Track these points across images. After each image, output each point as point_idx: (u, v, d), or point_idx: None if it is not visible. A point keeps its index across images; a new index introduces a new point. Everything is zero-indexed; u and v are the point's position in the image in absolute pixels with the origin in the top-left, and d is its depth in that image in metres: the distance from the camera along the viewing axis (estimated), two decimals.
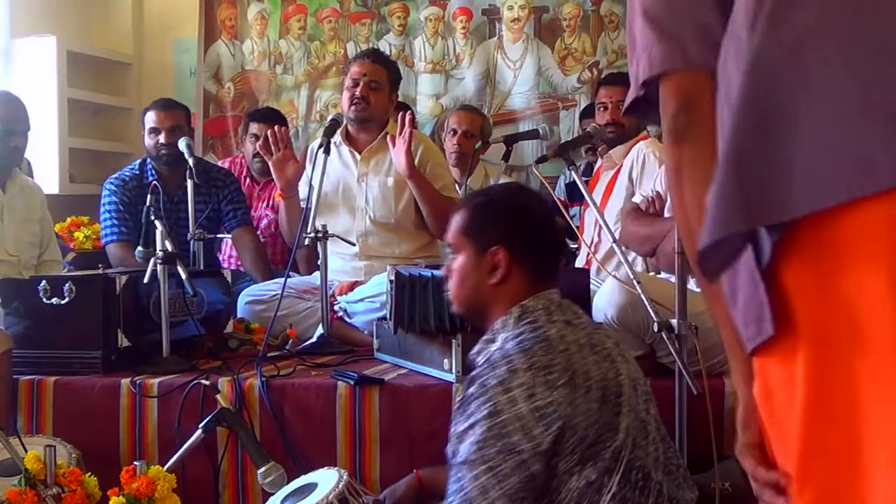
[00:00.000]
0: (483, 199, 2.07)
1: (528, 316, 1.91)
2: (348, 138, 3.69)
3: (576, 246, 3.70)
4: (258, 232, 4.24)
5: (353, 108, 3.59)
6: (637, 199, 3.05)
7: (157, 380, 2.70)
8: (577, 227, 3.79)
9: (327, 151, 3.25)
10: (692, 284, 2.75)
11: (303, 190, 3.78)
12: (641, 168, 3.56)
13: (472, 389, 1.81)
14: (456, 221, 2.02)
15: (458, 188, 4.02)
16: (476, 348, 1.98)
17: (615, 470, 1.79)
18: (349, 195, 3.64)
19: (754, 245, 0.96)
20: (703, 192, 1.01)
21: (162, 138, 3.79)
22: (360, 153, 3.67)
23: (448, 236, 2.05)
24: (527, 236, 1.98)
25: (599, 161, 3.62)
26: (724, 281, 1.02)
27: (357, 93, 3.56)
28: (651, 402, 1.97)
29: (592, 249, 3.30)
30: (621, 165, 3.69)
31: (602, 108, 3.88)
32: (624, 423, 1.82)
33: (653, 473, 1.84)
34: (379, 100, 3.61)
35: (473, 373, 1.88)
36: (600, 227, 3.10)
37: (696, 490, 2.00)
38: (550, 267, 2.02)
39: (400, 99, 4.96)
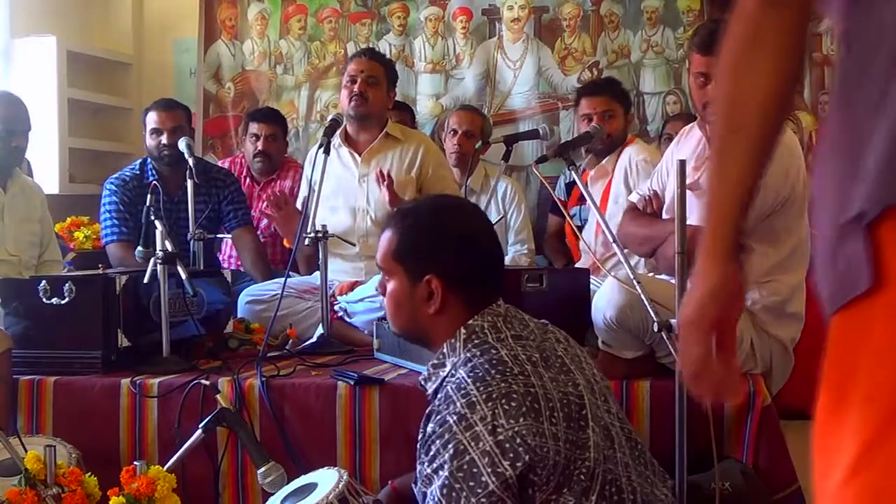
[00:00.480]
0: (412, 221, 1.93)
1: (475, 337, 1.83)
2: (347, 140, 3.70)
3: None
4: (258, 232, 4.24)
5: (352, 104, 3.60)
6: (634, 198, 3.05)
7: (157, 380, 2.70)
8: (578, 227, 3.81)
9: (327, 151, 3.25)
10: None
11: (304, 190, 3.79)
12: (637, 175, 3.58)
13: (431, 427, 1.74)
14: (385, 243, 1.92)
15: (458, 189, 4.03)
16: (424, 374, 1.91)
17: (591, 489, 1.73)
18: (350, 196, 3.65)
19: None
20: (781, 69, 0.96)
21: (164, 139, 3.80)
22: (359, 154, 3.68)
23: (378, 256, 1.95)
24: (461, 262, 1.88)
25: (582, 167, 3.61)
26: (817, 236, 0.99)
27: (355, 89, 3.58)
28: (609, 398, 1.91)
29: (593, 251, 3.31)
30: (613, 175, 3.71)
31: (586, 120, 3.86)
32: (592, 439, 1.76)
33: (625, 484, 1.79)
34: (377, 96, 3.62)
35: (430, 408, 1.80)
36: (601, 230, 3.11)
37: (668, 478, 1.96)
38: (491, 286, 1.92)
39: (400, 99, 4.99)
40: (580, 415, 1.77)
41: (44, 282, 2.82)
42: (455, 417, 1.70)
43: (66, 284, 2.78)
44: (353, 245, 3.51)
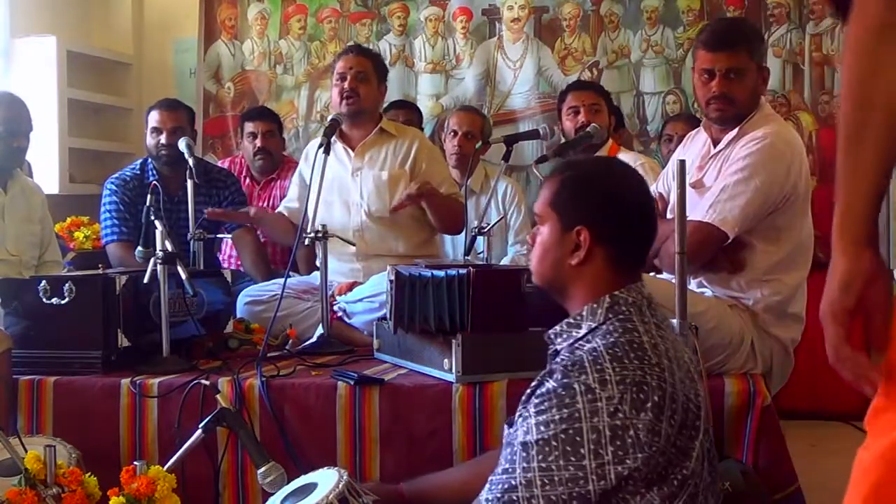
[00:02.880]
0: (575, 172, 1.92)
1: (618, 310, 1.80)
2: (341, 136, 3.70)
3: None
4: (258, 232, 4.24)
5: (344, 102, 3.60)
6: None
7: (157, 380, 2.69)
8: None
9: (327, 151, 3.25)
10: (692, 285, 2.77)
11: (294, 189, 3.80)
12: None
13: (552, 385, 1.71)
14: (545, 191, 1.91)
15: (454, 183, 4.02)
16: (557, 328, 1.87)
17: (677, 497, 1.71)
18: (344, 191, 3.65)
19: None
20: None
21: (163, 138, 3.80)
22: (353, 150, 3.68)
23: (536, 206, 1.94)
24: (615, 220, 1.85)
25: None
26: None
27: (346, 86, 3.58)
28: (709, 420, 1.88)
29: None
30: None
31: (573, 113, 3.98)
32: (696, 450, 1.74)
33: (700, 502, 1.77)
34: (368, 91, 3.63)
35: (561, 361, 1.76)
36: None
37: None
38: (637, 255, 1.90)
39: (400, 97, 4.99)
40: (694, 425, 1.76)
41: (44, 282, 2.82)
42: (583, 387, 1.68)
43: (66, 284, 2.78)
44: (353, 244, 3.51)
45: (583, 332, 1.82)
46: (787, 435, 2.46)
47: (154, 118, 3.86)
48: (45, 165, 4.78)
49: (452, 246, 4.26)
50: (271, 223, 3.78)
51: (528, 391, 1.78)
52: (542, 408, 1.70)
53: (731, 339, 2.63)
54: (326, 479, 2.00)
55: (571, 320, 1.85)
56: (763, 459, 2.39)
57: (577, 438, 1.66)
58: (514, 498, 1.68)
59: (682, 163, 2.37)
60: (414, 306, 2.66)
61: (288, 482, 2.19)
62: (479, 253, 3.48)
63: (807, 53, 4.86)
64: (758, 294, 2.70)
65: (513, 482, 1.69)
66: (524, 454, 1.69)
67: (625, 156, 3.83)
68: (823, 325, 1.20)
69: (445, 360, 2.56)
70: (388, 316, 2.86)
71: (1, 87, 4.61)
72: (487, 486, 1.74)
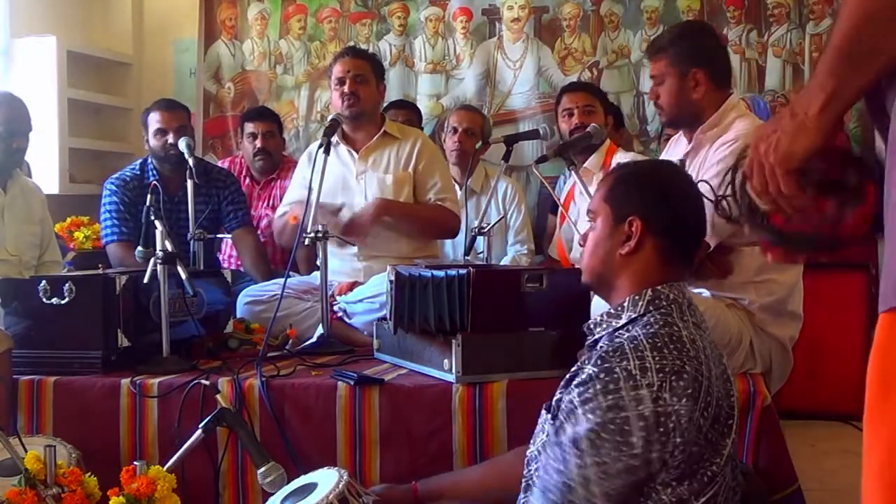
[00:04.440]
0: (629, 169, 1.99)
1: (659, 303, 1.83)
2: (345, 138, 3.71)
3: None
4: (258, 232, 4.24)
5: (345, 105, 3.60)
6: None
7: (157, 380, 2.69)
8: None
9: (327, 151, 3.25)
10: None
11: (300, 192, 3.79)
12: None
13: (593, 370, 1.72)
14: (599, 189, 1.96)
15: (458, 188, 4.03)
16: (597, 318, 1.89)
17: (702, 494, 1.73)
18: (348, 193, 3.65)
19: None
20: None
21: (170, 138, 3.79)
22: (357, 152, 3.68)
23: (590, 204, 1.99)
24: (666, 211, 1.89)
25: (572, 179, 3.64)
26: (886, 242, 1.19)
27: (346, 90, 3.58)
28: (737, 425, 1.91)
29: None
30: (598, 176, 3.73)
31: (567, 115, 4.01)
32: (727, 449, 1.77)
33: (721, 501, 1.78)
34: (368, 93, 3.63)
35: (601, 349, 1.78)
36: None
37: None
38: (685, 251, 1.92)
39: (400, 97, 5.00)
40: (726, 424, 1.78)
41: (44, 282, 2.82)
42: (624, 373, 1.70)
43: (66, 284, 2.78)
44: (353, 244, 3.51)
45: (622, 321, 1.84)
46: (787, 435, 2.46)
47: (156, 119, 3.85)
48: (45, 165, 4.78)
49: (452, 246, 4.27)
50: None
51: (567, 377, 1.80)
52: (587, 395, 1.71)
53: (730, 339, 2.63)
54: (326, 479, 2.00)
55: (612, 311, 1.87)
56: (763, 459, 2.39)
57: (626, 427, 1.67)
58: (573, 500, 1.69)
59: (682, 163, 2.38)
60: (414, 306, 2.66)
61: (288, 482, 2.19)
62: (479, 253, 3.48)
63: (807, 53, 4.87)
64: (752, 295, 2.70)
65: (571, 483, 1.70)
66: (577, 451, 1.70)
67: (623, 156, 3.83)
68: (755, 146, 1.35)
69: (445, 361, 2.56)
70: (388, 316, 2.86)
71: (1, 87, 4.61)
72: (537, 491, 1.74)
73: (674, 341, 1.75)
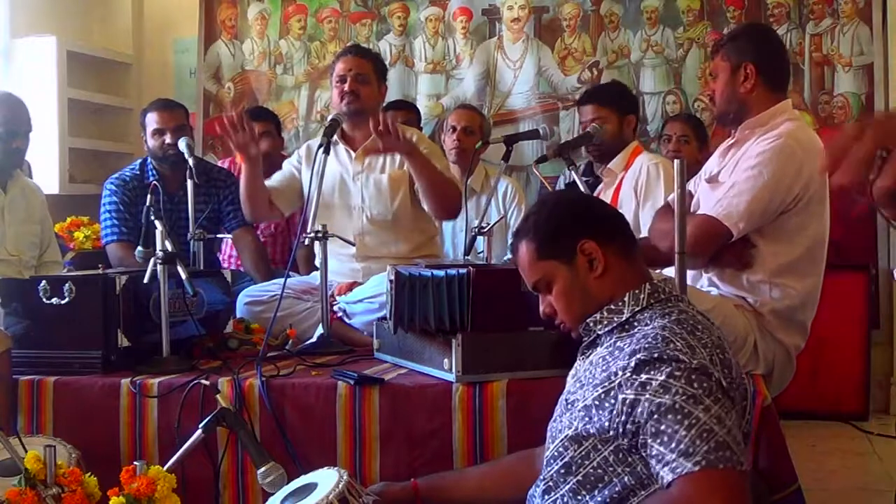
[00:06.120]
0: (533, 219, 1.94)
1: (661, 294, 1.84)
2: (344, 137, 3.70)
3: None
4: (258, 232, 4.24)
5: (344, 102, 3.59)
6: (671, 198, 3.07)
7: (157, 380, 2.69)
8: None
9: (327, 151, 3.25)
10: (703, 280, 2.77)
11: (289, 171, 3.77)
12: (646, 180, 3.64)
13: (643, 356, 1.68)
14: (525, 256, 1.93)
15: (448, 166, 4.01)
16: (596, 316, 1.87)
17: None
18: (345, 194, 3.65)
19: None
20: None
21: (168, 138, 3.79)
22: (355, 151, 3.68)
23: (526, 276, 1.95)
24: (599, 216, 1.92)
25: (572, 179, 3.62)
26: None
27: (346, 88, 3.57)
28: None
29: None
30: (622, 180, 3.73)
31: (582, 128, 3.95)
32: (744, 428, 1.75)
33: None
34: (369, 92, 3.62)
35: (630, 346, 1.74)
36: None
37: None
38: (632, 241, 1.94)
39: (400, 97, 5.00)
40: (742, 404, 1.77)
41: (44, 282, 2.82)
42: (674, 354, 1.67)
43: (66, 284, 2.78)
44: (352, 244, 3.51)
45: (625, 315, 1.84)
46: (787, 435, 2.46)
47: (154, 120, 3.84)
48: (45, 165, 4.79)
49: (452, 246, 4.26)
50: (256, 175, 3.53)
51: (585, 371, 1.81)
52: (643, 378, 1.66)
53: (735, 339, 2.63)
54: (326, 479, 2.00)
55: (612, 307, 1.87)
56: (763, 459, 2.39)
57: (700, 391, 1.64)
58: (721, 440, 1.60)
59: (682, 162, 2.39)
60: (414, 306, 2.66)
61: (288, 482, 2.19)
62: (480, 253, 3.48)
63: (807, 53, 4.87)
64: (766, 296, 2.70)
65: (706, 427, 1.60)
66: (685, 408, 1.61)
67: (643, 157, 3.81)
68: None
69: (445, 360, 2.56)
70: (388, 316, 2.85)
71: (1, 87, 4.61)
72: (670, 459, 1.60)
73: (699, 322, 1.78)
